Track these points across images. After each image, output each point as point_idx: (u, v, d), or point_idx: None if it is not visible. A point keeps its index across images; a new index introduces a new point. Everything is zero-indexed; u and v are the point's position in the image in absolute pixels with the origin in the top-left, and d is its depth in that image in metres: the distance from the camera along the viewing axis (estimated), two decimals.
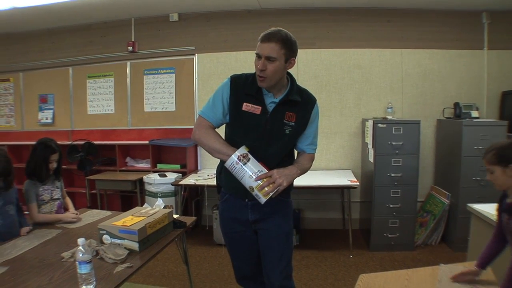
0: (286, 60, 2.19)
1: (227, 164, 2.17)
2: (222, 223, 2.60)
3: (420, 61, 5.59)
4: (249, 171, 2.15)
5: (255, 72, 2.27)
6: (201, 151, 6.09)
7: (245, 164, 2.14)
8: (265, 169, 2.18)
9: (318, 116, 2.44)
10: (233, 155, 2.14)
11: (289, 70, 2.37)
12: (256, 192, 2.17)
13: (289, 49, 2.17)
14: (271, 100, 2.30)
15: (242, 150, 2.16)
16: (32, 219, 3.20)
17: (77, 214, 3.42)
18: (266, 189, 2.15)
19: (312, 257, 4.77)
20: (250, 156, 2.15)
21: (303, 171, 2.39)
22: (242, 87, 2.31)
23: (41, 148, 3.30)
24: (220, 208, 2.61)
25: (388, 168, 4.82)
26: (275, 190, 2.17)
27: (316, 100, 2.42)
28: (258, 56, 2.17)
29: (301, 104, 2.32)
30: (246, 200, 2.40)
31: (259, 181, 2.15)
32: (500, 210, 2.18)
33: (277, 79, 2.23)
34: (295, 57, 2.25)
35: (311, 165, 2.49)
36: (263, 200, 2.18)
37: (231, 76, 2.37)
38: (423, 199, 5.47)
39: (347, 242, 4.92)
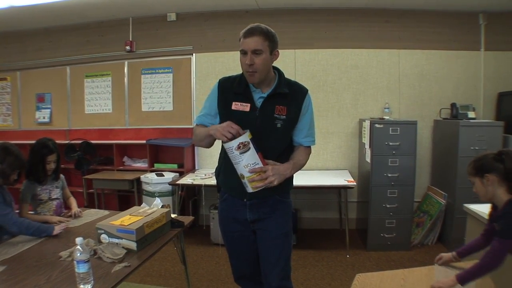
0: (271, 52, 2.23)
1: (226, 146, 2.13)
2: (221, 223, 2.61)
3: (417, 62, 5.62)
4: (246, 161, 2.13)
5: (242, 73, 2.32)
6: (199, 151, 6.09)
7: (243, 152, 2.11)
8: (261, 162, 2.16)
9: (311, 107, 2.42)
10: (234, 140, 2.09)
11: (286, 68, 2.39)
12: (245, 181, 2.17)
13: (272, 41, 2.22)
14: (260, 96, 2.32)
15: (245, 137, 2.10)
16: None
17: (80, 212, 3.45)
18: (256, 183, 2.16)
19: (309, 256, 4.80)
20: (250, 145, 2.11)
21: (298, 168, 2.38)
22: (230, 87, 2.35)
23: (38, 149, 3.30)
24: (219, 207, 2.62)
25: (385, 168, 4.84)
26: (264, 186, 2.18)
27: (307, 91, 2.41)
28: (244, 53, 2.21)
29: (290, 96, 2.33)
30: (245, 200, 2.40)
31: (252, 173, 2.15)
32: (493, 220, 2.22)
33: (266, 72, 2.26)
34: (278, 49, 2.29)
35: (308, 159, 2.47)
36: (250, 190, 2.19)
37: (219, 80, 2.43)
38: (419, 199, 5.49)
39: (344, 242, 4.93)
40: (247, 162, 2.13)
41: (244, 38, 2.19)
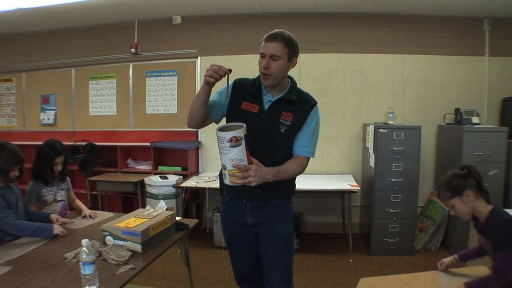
0: (289, 59, 2.28)
1: (219, 134, 2.10)
2: (223, 225, 2.63)
3: (422, 67, 5.63)
4: (233, 155, 2.11)
5: (258, 76, 2.36)
6: (203, 154, 6.11)
7: (234, 146, 2.09)
8: (247, 160, 2.14)
9: (316, 120, 2.42)
10: (228, 132, 2.08)
11: (291, 74, 2.43)
12: (226, 172, 2.17)
13: (292, 49, 2.26)
14: (269, 99, 2.36)
15: (240, 132, 2.08)
16: None
17: (94, 213, 3.49)
18: (236, 178, 2.15)
19: (312, 260, 4.80)
20: (243, 142, 2.09)
21: (282, 176, 2.31)
22: (243, 87, 2.40)
23: (47, 150, 3.32)
24: (221, 210, 2.64)
25: (388, 173, 4.83)
26: (242, 184, 2.17)
27: (316, 103, 2.43)
28: (262, 56, 2.25)
29: (298, 104, 2.36)
30: (244, 201, 2.43)
31: (235, 168, 2.14)
32: (479, 231, 2.24)
33: (280, 77, 2.30)
34: (297, 58, 2.34)
35: (300, 170, 2.42)
36: (227, 182, 2.19)
37: (235, 79, 2.46)
38: (423, 204, 5.48)
39: (347, 246, 4.93)
40: (234, 156, 2.11)
41: (266, 42, 2.24)
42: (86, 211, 3.50)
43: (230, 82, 2.38)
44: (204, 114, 2.37)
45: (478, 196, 2.13)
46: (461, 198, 2.14)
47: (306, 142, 2.41)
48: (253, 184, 2.16)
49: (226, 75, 2.18)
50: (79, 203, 3.64)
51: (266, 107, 2.35)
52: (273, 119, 2.33)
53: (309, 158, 2.45)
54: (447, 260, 2.40)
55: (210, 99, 2.36)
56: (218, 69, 2.14)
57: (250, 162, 2.15)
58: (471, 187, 2.12)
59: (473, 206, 2.14)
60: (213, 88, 2.27)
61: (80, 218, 3.43)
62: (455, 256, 2.39)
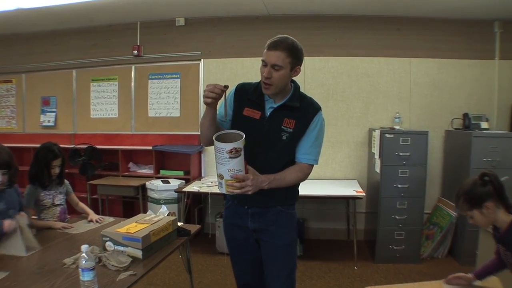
0: (292, 68, 2.20)
1: (219, 145, 2.06)
2: (225, 229, 2.60)
3: (429, 71, 5.56)
4: (232, 165, 2.08)
5: (260, 80, 2.29)
6: (205, 158, 6.05)
7: (233, 158, 2.06)
8: (244, 170, 2.12)
9: (320, 126, 2.36)
10: (229, 144, 2.05)
11: (295, 77, 2.37)
12: (222, 182, 2.14)
13: (295, 58, 2.19)
14: (270, 106, 2.32)
15: (240, 143, 2.06)
16: None
17: (103, 218, 3.48)
18: (233, 188, 2.13)
19: (316, 267, 4.73)
20: (242, 152, 2.07)
21: (279, 184, 2.28)
22: (245, 93, 2.37)
23: (44, 153, 3.27)
24: (224, 214, 2.63)
25: (394, 179, 4.77)
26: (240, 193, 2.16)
27: (319, 109, 2.37)
28: (264, 64, 2.18)
29: (301, 111, 2.31)
30: (246, 207, 2.40)
31: (233, 178, 2.11)
32: (499, 241, 2.16)
33: (282, 86, 2.25)
34: (301, 66, 2.27)
35: (301, 177, 2.38)
36: (223, 191, 2.17)
37: (237, 85, 2.44)
38: (430, 211, 5.41)
39: (351, 253, 4.86)
40: (233, 167, 2.09)
41: (268, 50, 2.15)
42: (93, 215, 3.48)
43: (233, 88, 2.37)
44: (215, 132, 2.30)
45: (498, 206, 2.03)
46: (480, 210, 2.05)
47: (308, 149, 2.36)
48: (250, 193, 2.14)
49: (223, 92, 2.11)
50: (83, 206, 3.62)
51: (268, 113, 2.31)
52: (275, 126, 2.29)
53: (312, 165, 2.40)
54: (466, 277, 2.26)
55: (217, 114, 2.31)
56: (212, 88, 2.07)
57: (246, 171, 2.13)
58: (491, 199, 2.02)
59: (493, 218, 2.05)
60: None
61: (85, 222, 3.42)
62: (471, 275, 2.26)
